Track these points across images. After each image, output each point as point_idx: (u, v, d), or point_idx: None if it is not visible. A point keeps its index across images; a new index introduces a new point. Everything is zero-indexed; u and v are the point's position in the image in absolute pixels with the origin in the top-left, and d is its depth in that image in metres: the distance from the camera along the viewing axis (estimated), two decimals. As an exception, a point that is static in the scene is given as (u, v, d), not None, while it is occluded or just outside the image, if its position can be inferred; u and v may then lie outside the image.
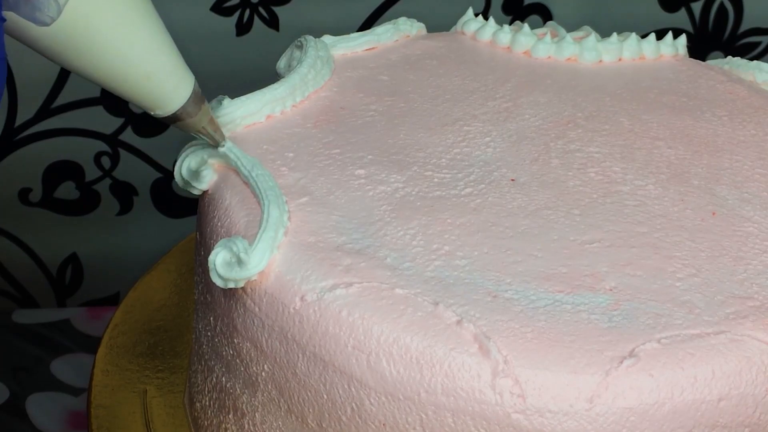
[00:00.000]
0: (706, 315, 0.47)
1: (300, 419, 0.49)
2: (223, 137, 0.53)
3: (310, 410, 0.48)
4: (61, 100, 0.88)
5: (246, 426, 0.52)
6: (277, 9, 0.88)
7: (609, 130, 0.57)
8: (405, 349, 0.46)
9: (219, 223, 0.52)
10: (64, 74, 0.87)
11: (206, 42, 0.88)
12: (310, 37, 0.60)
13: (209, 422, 0.55)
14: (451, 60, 0.62)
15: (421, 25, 0.65)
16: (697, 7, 0.91)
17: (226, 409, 0.53)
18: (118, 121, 0.90)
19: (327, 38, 0.62)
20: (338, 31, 0.63)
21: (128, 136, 0.91)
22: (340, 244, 0.49)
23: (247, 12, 0.88)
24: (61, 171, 0.91)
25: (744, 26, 0.93)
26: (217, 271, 0.49)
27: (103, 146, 0.91)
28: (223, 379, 0.53)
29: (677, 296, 0.48)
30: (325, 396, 0.47)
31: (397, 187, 0.52)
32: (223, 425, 0.53)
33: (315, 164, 0.54)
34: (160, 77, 0.50)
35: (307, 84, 0.58)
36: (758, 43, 0.94)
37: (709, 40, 0.93)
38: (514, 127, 0.57)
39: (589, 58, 0.63)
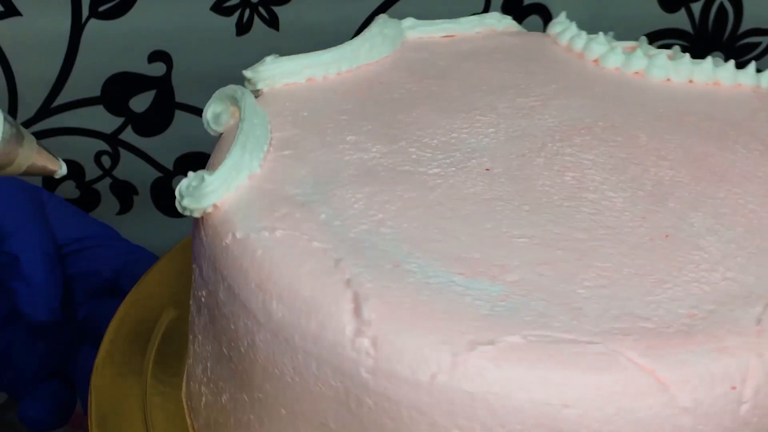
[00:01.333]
0: (589, 324, 0.46)
1: (218, 344, 0.53)
2: (58, 165, 0.49)
3: (224, 337, 0.52)
4: (61, 100, 0.89)
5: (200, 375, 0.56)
6: (277, 9, 0.88)
7: (619, 143, 0.57)
8: (294, 294, 0.49)
9: (210, 162, 0.56)
10: (65, 74, 0.88)
11: (206, 42, 0.89)
12: (383, 16, 0.63)
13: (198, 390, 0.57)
14: (517, 56, 0.63)
15: (512, 21, 0.66)
16: (696, 8, 0.85)
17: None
18: (119, 121, 0.91)
19: (409, 20, 0.65)
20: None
21: (128, 135, 0.92)
22: (291, 195, 0.52)
23: (247, 12, 0.88)
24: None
25: (744, 27, 0.86)
26: (178, 199, 0.54)
27: (104, 145, 0.92)
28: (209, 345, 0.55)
29: (572, 302, 0.47)
30: (232, 326, 0.51)
31: (374, 156, 0.55)
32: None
33: (319, 124, 0.57)
34: None
35: (358, 56, 0.61)
36: (758, 44, 0.86)
37: (709, 41, 0.87)
38: (524, 124, 0.58)
39: (656, 75, 0.62)
